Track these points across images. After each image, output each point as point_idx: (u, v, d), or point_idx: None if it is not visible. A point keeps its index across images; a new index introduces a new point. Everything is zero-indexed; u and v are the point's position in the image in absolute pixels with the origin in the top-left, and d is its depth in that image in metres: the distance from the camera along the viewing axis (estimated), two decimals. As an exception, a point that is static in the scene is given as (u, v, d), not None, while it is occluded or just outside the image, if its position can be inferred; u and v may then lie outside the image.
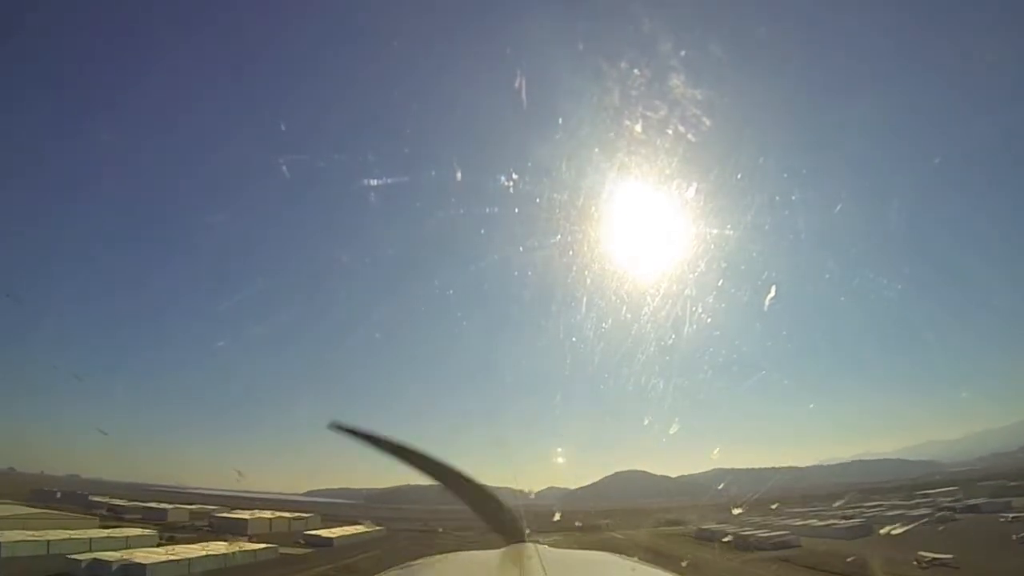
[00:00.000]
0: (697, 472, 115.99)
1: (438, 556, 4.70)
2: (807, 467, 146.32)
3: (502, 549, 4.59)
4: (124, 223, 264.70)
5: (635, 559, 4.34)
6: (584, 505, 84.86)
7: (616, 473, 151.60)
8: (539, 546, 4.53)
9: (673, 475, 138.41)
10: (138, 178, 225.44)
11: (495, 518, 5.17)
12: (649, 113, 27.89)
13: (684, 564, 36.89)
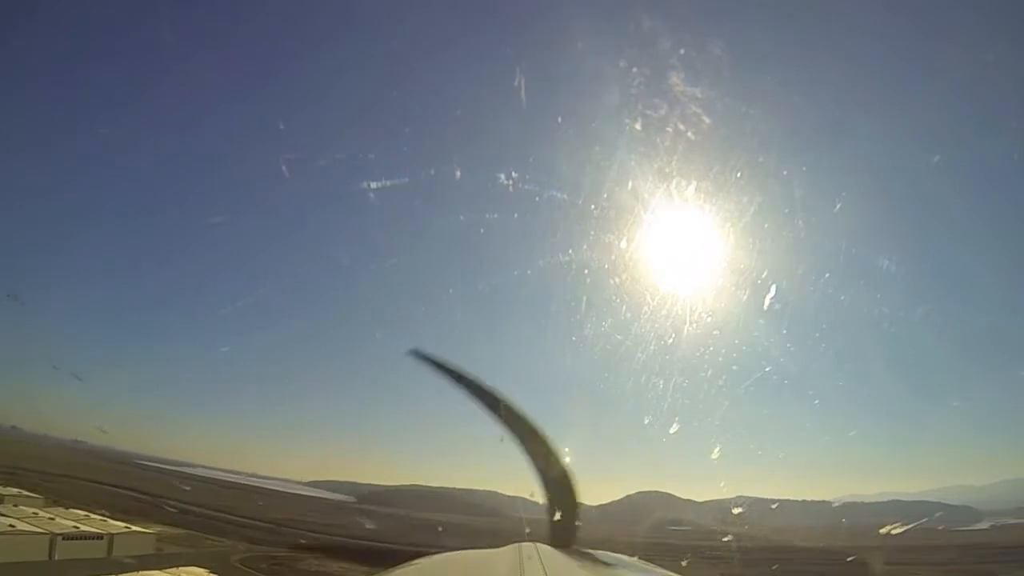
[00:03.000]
0: (722, 498, 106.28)
1: (438, 556, 4.60)
2: (840, 504, 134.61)
3: (503, 548, 4.49)
4: (125, 219, 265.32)
5: (635, 557, 4.65)
6: (609, 527, 72.71)
7: (640, 492, 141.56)
8: (539, 545, 4.48)
9: (699, 499, 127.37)
10: (139, 176, 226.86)
11: (555, 487, 5.21)
12: (649, 111, 28.36)
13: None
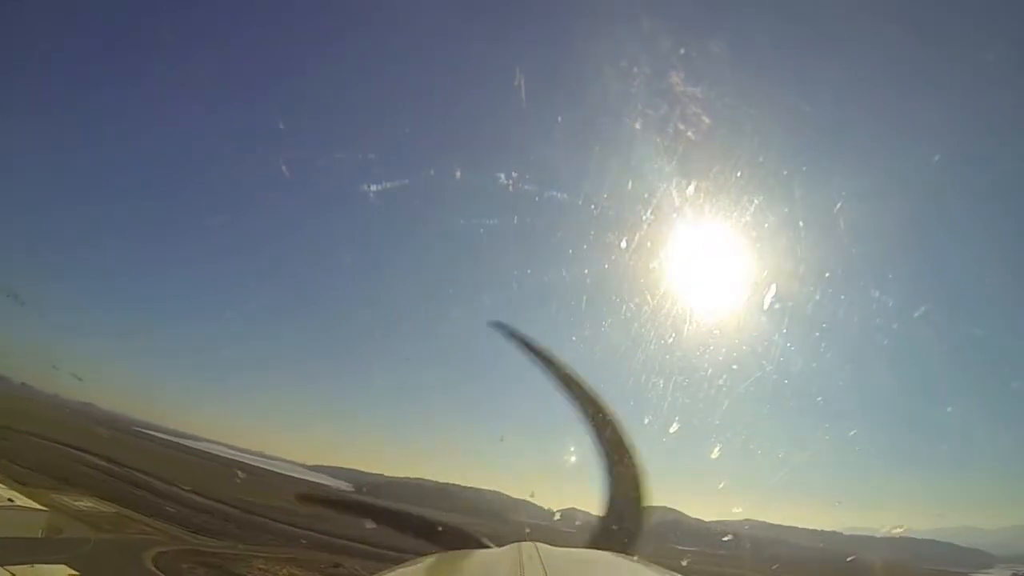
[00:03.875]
0: (729, 519, 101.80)
1: (438, 556, 4.72)
2: (850, 535, 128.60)
3: (502, 548, 4.63)
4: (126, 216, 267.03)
5: (635, 557, 4.63)
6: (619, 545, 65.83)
7: (647, 507, 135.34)
8: (539, 545, 4.49)
9: (706, 519, 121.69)
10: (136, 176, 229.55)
11: (622, 486, 5.34)
12: (648, 111, 29.61)
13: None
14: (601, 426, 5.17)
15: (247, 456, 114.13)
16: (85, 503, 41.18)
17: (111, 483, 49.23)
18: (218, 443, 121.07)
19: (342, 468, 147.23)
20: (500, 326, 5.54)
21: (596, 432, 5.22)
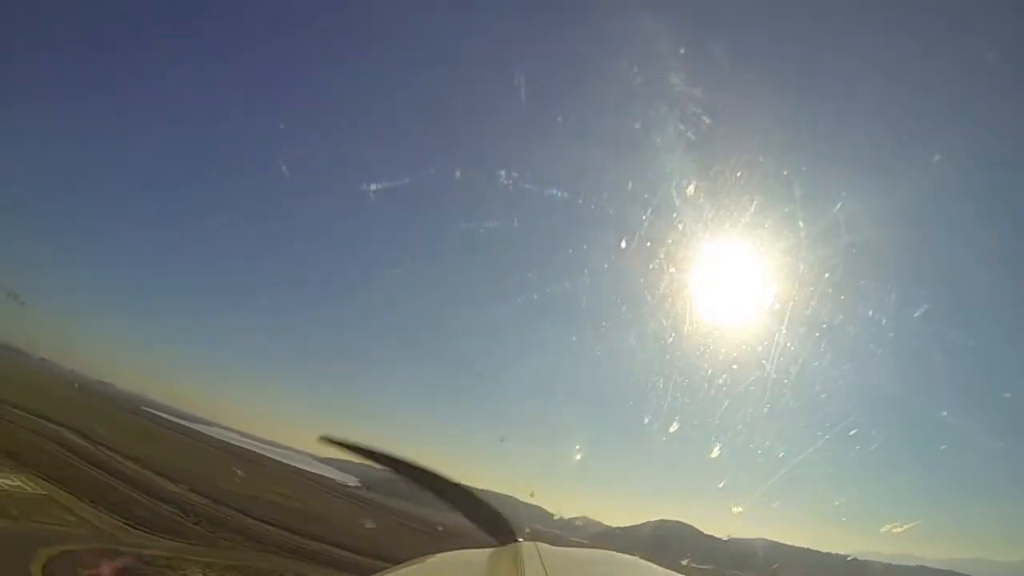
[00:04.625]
0: (743, 538, 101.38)
1: (437, 556, 4.71)
2: (867, 559, 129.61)
3: (502, 548, 4.69)
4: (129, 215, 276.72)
5: (636, 556, 4.69)
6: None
7: (661, 520, 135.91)
8: (539, 544, 4.60)
9: (721, 536, 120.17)
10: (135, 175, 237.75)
11: (487, 521, 5.27)
12: (649, 111, 29.10)
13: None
14: (452, 493, 5.29)
15: (251, 443, 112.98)
16: (12, 481, 35.07)
17: (65, 459, 43.86)
18: (222, 426, 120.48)
19: (349, 462, 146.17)
20: (329, 440, 5.19)
21: (449, 498, 5.36)
